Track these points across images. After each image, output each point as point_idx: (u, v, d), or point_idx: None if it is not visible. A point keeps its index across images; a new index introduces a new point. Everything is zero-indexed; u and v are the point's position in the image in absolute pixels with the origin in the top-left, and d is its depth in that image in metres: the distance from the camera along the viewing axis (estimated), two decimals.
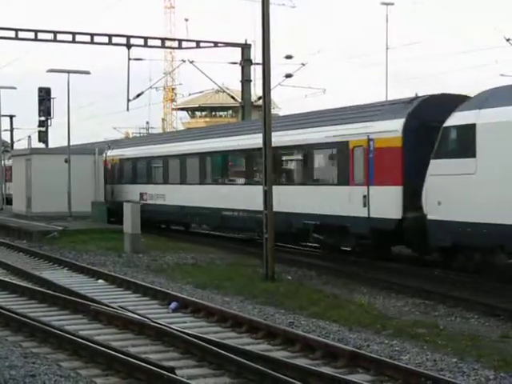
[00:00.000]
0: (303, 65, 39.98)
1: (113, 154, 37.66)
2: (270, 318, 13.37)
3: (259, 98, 30.93)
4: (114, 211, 33.33)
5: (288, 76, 40.11)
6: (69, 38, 37.25)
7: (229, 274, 19.45)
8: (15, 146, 66.58)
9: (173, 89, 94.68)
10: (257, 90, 41.40)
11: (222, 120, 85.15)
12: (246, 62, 39.46)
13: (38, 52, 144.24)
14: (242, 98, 40.12)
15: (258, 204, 20.17)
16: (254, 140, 23.08)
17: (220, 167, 28.34)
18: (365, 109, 21.21)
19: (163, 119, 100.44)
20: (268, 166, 18.76)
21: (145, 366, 9.51)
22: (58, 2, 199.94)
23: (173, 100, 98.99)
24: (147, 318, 12.67)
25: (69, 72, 33.99)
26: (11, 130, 67.47)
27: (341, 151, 20.70)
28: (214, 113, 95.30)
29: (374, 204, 19.38)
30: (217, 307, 13.82)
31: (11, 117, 65.65)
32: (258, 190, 20.29)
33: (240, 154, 26.65)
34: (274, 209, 18.90)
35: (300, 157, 22.85)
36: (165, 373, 9.19)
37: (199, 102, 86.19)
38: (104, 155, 37.17)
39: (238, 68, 39.95)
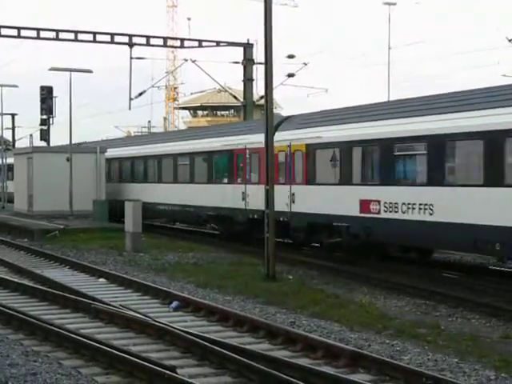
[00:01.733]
0: (305, 64, 40.05)
1: (284, 137, 22.99)
2: (271, 318, 13.37)
3: (261, 98, 30.98)
4: (300, 230, 22.78)
5: (290, 75, 40.16)
6: (71, 36, 37.38)
7: (230, 273, 19.44)
8: (17, 145, 66.68)
9: (175, 88, 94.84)
10: (259, 90, 41.50)
11: (223, 119, 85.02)
12: (248, 62, 39.52)
13: (40, 50, 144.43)
14: (244, 98, 40.19)
15: None
16: None
17: None
18: None
19: (165, 118, 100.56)
20: (270, 165, 18.73)
21: (146, 365, 9.51)
22: (60, 0, 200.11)
23: (174, 99, 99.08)
24: (148, 317, 12.67)
25: (71, 71, 33.97)
26: (13, 129, 67.60)
27: None
28: (215, 112, 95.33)
29: None
30: (218, 306, 13.82)
31: (13, 115, 65.78)
32: None
33: None
34: None
35: None
36: (166, 372, 9.19)
37: (201, 101, 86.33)
38: (238, 142, 25.80)
39: (240, 67, 40.02)
